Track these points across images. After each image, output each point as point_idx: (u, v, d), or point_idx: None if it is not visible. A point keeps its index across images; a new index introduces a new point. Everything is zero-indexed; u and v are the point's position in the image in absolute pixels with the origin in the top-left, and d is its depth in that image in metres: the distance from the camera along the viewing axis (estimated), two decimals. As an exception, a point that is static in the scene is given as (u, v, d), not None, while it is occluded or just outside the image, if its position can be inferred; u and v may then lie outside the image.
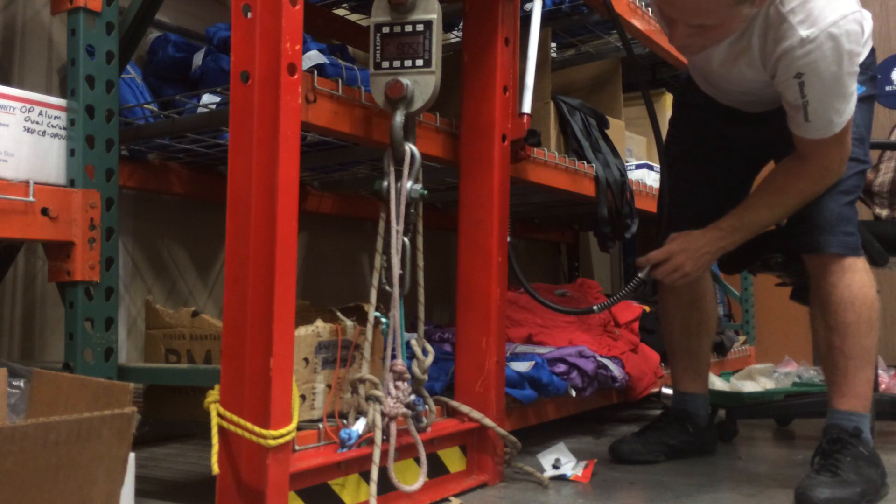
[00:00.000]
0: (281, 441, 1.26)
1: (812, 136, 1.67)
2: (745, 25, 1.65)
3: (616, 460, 1.99)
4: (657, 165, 2.90)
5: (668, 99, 3.27)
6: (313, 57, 1.73)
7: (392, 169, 1.52)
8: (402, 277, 1.51)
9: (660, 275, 1.85)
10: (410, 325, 1.58)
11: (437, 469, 1.65)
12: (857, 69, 1.62)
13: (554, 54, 2.88)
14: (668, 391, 2.72)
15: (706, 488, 1.73)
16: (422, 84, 1.50)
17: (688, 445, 2.07)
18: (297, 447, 1.37)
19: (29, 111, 1.44)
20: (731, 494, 1.68)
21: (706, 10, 1.56)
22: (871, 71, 1.84)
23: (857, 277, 1.73)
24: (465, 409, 1.72)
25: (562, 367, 2.12)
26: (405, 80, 1.49)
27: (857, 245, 1.74)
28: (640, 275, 1.87)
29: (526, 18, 2.03)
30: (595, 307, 1.99)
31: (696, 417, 2.10)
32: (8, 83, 1.80)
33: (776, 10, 1.59)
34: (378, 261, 1.53)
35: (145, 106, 1.84)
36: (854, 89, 1.63)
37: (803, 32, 1.56)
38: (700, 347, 2.12)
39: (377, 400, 1.47)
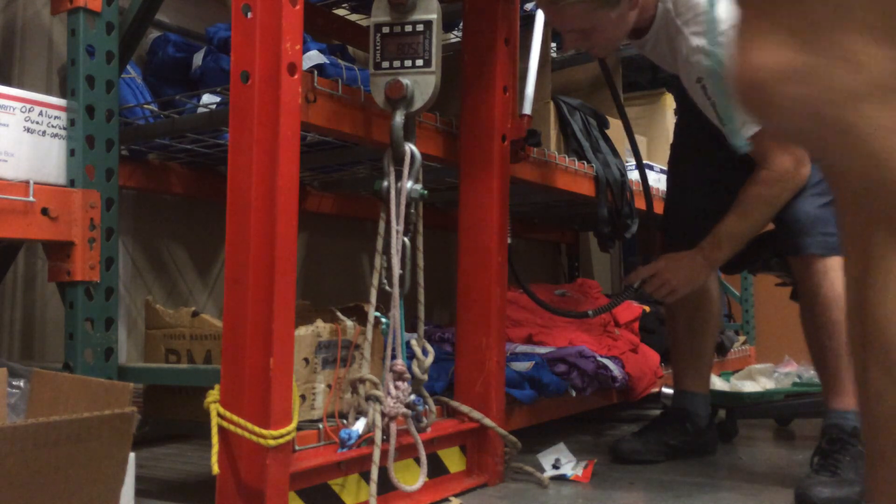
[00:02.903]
0: (281, 441, 1.26)
1: (738, 141, 1.70)
2: (652, 33, 1.75)
3: (616, 460, 1.99)
4: (657, 165, 2.90)
5: (668, 99, 3.27)
6: (313, 57, 1.73)
7: (392, 169, 1.52)
8: (402, 277, 1.51)
9: (650, 290, 1.89)
10: (410, 325, 1.58)
11: (437, 469, 1.65)
12: None
13: (554, 54, 2.88)
14: (668, 391, 2.72)
15: (706, 488, 1.73)
16: (422, 84, 1.50)
17: (687, 445, 2.07)
18: (297, 447, 1.37)
19: (29, 111, 1.44)
20: (731, 494, 1.68)
21: (570, 17, 1.66)
22: None
23: (840, 276, 1.74)
24: (465, 409, 1.72)
25: (562, 367, 2.12)
26: (405, 80, 1.49)
27: (836, 245, 1.75)
28: (634, 285, 1.92)
29: (526, 18, 2.04)
30: (590, 312, 2.03)
31: (695, 417, 2.10)
32: (8, 83, 1.80)
33: (672, 21, 1.67)
34: (378, 261, 1.53)
35: (145, 106, 1.84)
36: None
37: (696, 42, 1.62)
38: (703, 347, 2.13)
39: (377, 400, 1.47)
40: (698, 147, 2.05)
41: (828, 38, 0.63)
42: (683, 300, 2.08)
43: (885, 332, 0.81)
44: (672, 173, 2.13)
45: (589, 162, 2.38)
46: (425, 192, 1.53)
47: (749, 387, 2.66)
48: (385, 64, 1.51)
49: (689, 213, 2.02)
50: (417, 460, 1.53)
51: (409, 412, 1.50)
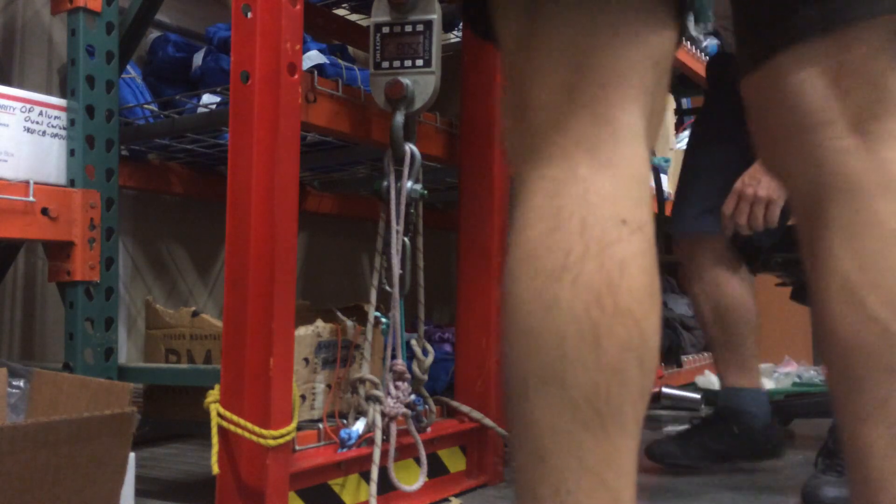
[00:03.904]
0: (281, 441, 1.26)
1: None
2: None
3: (650, 459, 1.84)
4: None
5: (668, 99, 3.26)
6: (313, 57, 1.73)
7: (392, 169, 1.52)
8: (402, 277, 1.51)
9: (743, 219, 1.74)
10: (410, 325, 1.58)
11: (437, 469, 1.65)
12: None
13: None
14: (668, 391, 2.73)
15: (707, 488, 1.73)
16: (422, 84, 1.50)
17: (735, 450, 1.83)
18: (297, 447, 1.37)
19: (29, 111, 1.44)
20: (731, 494, 1.68)
21: None
22: None
23: None
24: (465, 409, 1.72)
25: (562, 367, 2.11)
26: (405, 80, 1.49)
27: None
28: (728, 233, 1.84)
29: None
30: None
31: (744, 416, 1.83)
32: (8, 83, 1.80)
33: None
34: (378, 261, 1.53)
35: (145, 106, 1.84)
36: None
37: None
38: (737, 336, 1.88)
39: (377, 400, 1.47)
40: (721, 130, 1.97)
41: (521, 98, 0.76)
42: (703, 286, 1.91)
43: (836, 334, 0.81)
44: (691, 159, 2.01)
45: (589, 162, 2.38)
46: (425, 192, 1.53)
47: (749, 387, 2.66)
48: (385, 64, 1.51)
49: (707, 199, 1.88)
50: (417, 460, 1.53)
51: (409, 412, 1.50)
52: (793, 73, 0.83)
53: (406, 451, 1.54)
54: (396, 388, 1.49)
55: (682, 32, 0.78)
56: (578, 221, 0.68)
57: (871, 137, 0.80)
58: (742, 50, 0.91)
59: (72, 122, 1.49)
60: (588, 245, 0.67)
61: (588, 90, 0.72)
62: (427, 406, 1.59)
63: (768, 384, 2.73)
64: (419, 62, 1.49)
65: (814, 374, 2.80)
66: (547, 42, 0.74)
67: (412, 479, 1.52)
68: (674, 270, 4.05)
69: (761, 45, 0.87)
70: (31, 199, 1.40)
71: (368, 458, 1.42)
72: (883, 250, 0.78)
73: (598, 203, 0.69)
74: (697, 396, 2.72)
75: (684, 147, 3.39)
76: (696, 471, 1.81)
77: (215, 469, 1.28)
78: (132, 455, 1.06)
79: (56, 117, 1.48)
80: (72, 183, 1.48)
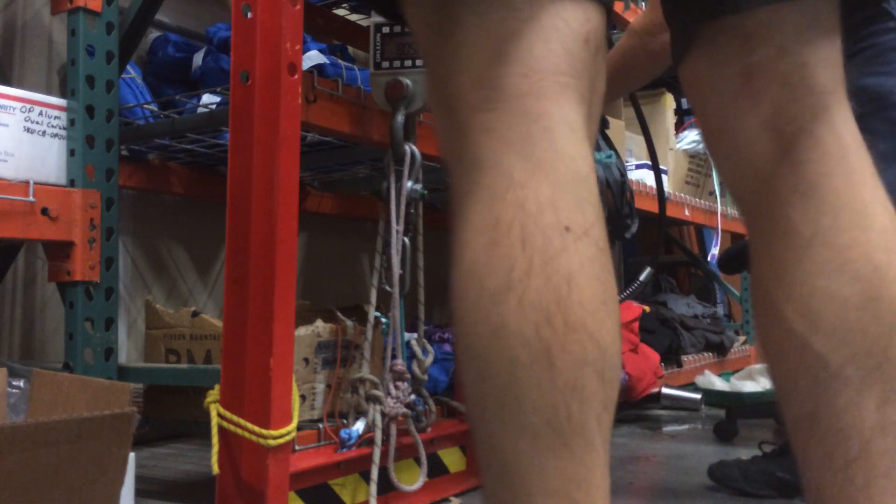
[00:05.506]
0: (281, 441, 1.25)
1: None
2: None
3: (711, 479, 1.74)
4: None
5: (668, 99, 3.27)
6: (313, 57, 1.73)
7: (392, 169, 1.52)
8: (402, 277, 1.51)
9: None
10: (410, 325, 1.58)
11: (437, 469, 1.65)
12: None
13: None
14: (668, 391, 2.73)
15: (707, 489, 1.73)
16: (422, 84, 1.50)
17: None
18: (297, 447, 1.37)
19: (29, 111, 1.44)
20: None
21: None
22: None
23: None
24: (465, 408, 1.72)
25: (562, 367, 2.12)
26: (405, 80, 1.49)
27: None
28: (640, 278, 1.85)
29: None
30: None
31: None
32: (8, 83, 1.80)
33: None
34: (378, 261, 1.53)
35: (145, 106, 1.84)
36: None
37: None
38: None
39: (377, 400, 1.47)
40: None
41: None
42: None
43: (763, 344, 0.79)
44: None
45: (589, 162, 2.38)
46: (425, 192, 1.53)
47: (749, 387, 2.66)
48: (385, 64, 1.51)
49: None
50: (417, 460, 1.53)
51: (409, 412, 1.50)
52: (707, 76, 0.79)
53: (406, 451, 1.54)
54: (396, 388, 1.49)
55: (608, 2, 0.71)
56: (518, 233, 0.62)
57: (787, 140, 0.75)
58: (671, 37, 0.86)
59: (72, 122, 1.49)
60: (531, 259, 0.62)
61: (512, 82, 0.65)
62: (427, 406, 1.59)
63: (768, 384, 2.73)
64: (419, 62, 1.49)
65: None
66: (461, 29, 0.66)
67: (412, 479, 1.52)
68: (674, 270, 4.05)
69: (679, 36, 0.82)
70: (31, 199, 1.40)
71: (368, 458, 1.42)
72: (797, 259, 0.74)
73: (538, 211, 0.63)
74: (697, 396, 2.72)
75: (685, 147, 3.40)
76: (756, 499, 1.67)
77: (215, 469, 1.28)
78: (132, 455, 1.06)
79: (56, 117, 1.48)
80: (72, 183, 1.48)
